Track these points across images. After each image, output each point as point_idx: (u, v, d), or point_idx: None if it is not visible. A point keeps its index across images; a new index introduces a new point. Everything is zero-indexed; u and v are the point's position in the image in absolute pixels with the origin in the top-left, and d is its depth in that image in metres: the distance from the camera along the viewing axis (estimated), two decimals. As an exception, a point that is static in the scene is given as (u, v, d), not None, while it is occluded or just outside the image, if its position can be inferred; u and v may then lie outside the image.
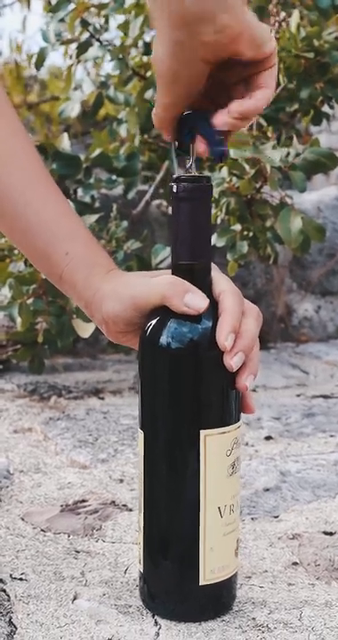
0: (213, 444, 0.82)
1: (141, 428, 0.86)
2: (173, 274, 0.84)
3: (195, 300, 0.82)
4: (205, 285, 0.84)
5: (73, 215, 0.91)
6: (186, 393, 0.82)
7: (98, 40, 1.90)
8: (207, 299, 0.82)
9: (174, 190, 0.83)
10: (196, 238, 0.84)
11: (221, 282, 0.84)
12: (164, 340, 0.83)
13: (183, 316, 0.82)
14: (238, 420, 0.85)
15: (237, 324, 0.82)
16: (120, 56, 1.87)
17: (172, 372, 0.83)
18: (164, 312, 0.83)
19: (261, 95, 0.83)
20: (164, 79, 0.81)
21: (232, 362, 0.81)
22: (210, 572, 0.84)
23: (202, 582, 0.84)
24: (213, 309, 0.83)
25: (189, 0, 0.75)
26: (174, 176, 0.84)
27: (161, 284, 0.83)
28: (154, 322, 0.84)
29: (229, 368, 0.81)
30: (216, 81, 0.83)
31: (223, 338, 0.81)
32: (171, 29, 0.77)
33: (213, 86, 0.83)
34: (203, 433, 0.82)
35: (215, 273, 0.85)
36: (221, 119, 0.81)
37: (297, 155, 1.47)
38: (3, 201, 0.89)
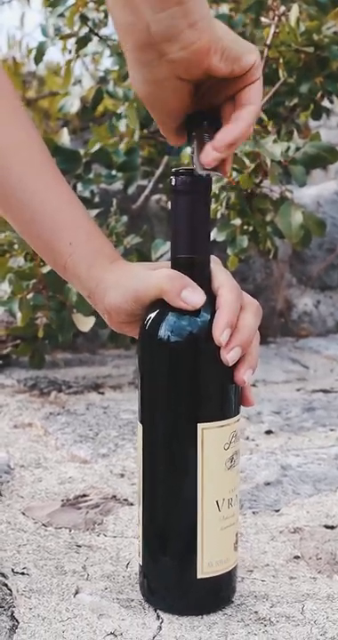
0: (210, 437, 0.82)
1: (140, 421, 0.86)
2: (172, 267, 0.84)
3: (192, 296, 0.82)
4: (204, 279, 0.84)
5: (78, 205, 0.91)
6: (183, 386, 0.82)
7: (97, 35, 1.90)
8: (204, 295, 0.82)
9: (173, 183, 0.83)
10: (194, 232, 0.84)
11: (220, 276, 0.84)
12: (161, 332, 0.83)
13: (182, 310, 0.82)
14: (237, 414, 0.85)
15: (234, 318, 0.82)
16: (119, 51, 1.87)
17: (169, 365, 0.83)
18: (163, 305, 0.83)
19: (246, 114, 0.81)
20: (145, 101, 0.80)
21: (228, 356, 0.81)
22: (208, 565, 0.84)
23: (200, 575, 0.84)
24: (212, 303, 0.82)
25: (150, 19, 0.73)
26: (173, 169, 0.84)
27: (159, 278, 0.83)
28: (153, 315, 0.84)
29: (225, 362, 0.81)
30: (205, 99, 0.82)
31: (219, 333, 0.81)
32: (137, 52, 0.76)
33: (204, 104, 0.82)
34: (200, 426, 0.82)
35: (214, 266, 0.85)
36: (210, 156, 0.80)
37: (297, 149, 1.47)
38: (10, 190, 0.89)
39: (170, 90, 0.78)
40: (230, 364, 0.82)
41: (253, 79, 0.81)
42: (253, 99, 0.81)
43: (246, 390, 0.86)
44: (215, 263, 0.85)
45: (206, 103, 0.82)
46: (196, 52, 0.75)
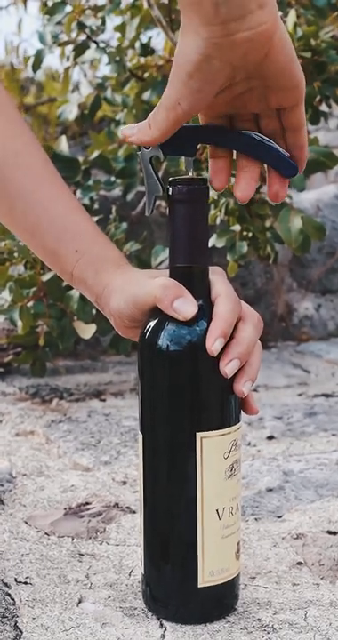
0: (209, 446, 0.82)
1: (141, 430, 0.86)
2: (170, 276, 0.85)
3: (183, 306, 0.81)
4: (202, 288, 0.83)
5: (81, 211, 0.91)
6: (181, 396, 0.83)
7: (95, 42, 1.90)
8: (196, 306, 0.82)
9: (170, 192, 0.83)
10: (192, 241, 0.83)
11: (218, 285, 0.84)
12: (159, 341, 0.83)
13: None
14: (237, 422, 0.85)
15: (229, 329, 0.82)
16: (117, 58, 1.87)
17: (166, 374, 0.83)
18: (162, 313, 0.83)
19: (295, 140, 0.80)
20: (184, 71, 0.76)
21: (226, 369, 0.81)
22: (209, 574, 0.84)
23: (201, 584, 0.84)
24: (210, 312, 0.82)
25: None
26: (170, 179, 0.84)
27: (154, 286, 0.83)
28: (152, 323, 0.84)
29: (224, 375, 0.81)
30: (238, 101, 0.80)
31: (210, 342, 0.81)
32: (203, 27, 0.73)
33: (235, 105, 0.80)
34: (199, 435, 0.82)
35: (214, 276, 0.85)
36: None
37: (296, 154, 1.46)
38: (13, 201, 0.89)
39: (219, 72, 0.75)
40: (229, 377, 0.82)
41: (297, 100, 0.79)
42: (300, 122, 0.80)
43: (249, 398, 0.86)
44: (216, 273, 0.85)
45: (237, 105, 0.80)
46: (262, 34, 0.73)
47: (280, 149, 0.81)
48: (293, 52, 0.77)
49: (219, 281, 0.84)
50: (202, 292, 0.83)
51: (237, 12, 0.71)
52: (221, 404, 0.84)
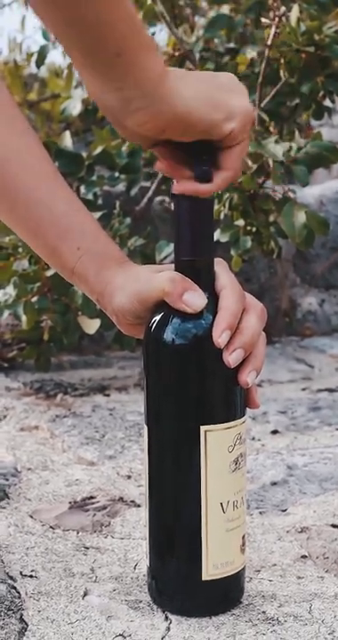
0: (213, 439, 0.82)
1: (146, 424, 0.86)
2: (175, 270, 0.85)
3: (193, 299, 0.82)
4: (208, 281, 0.84)
5: (82, 209, 0.91)
6: (186, 389, 0.83)
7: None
8: (205, 298, 0.82)
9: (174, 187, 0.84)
10: (196, 235, 0.84)
11: (223, 278, 0.84)
12: (165, 335, 0.83)
13: (185, 312, 0.82)
14: (242, 416, 0.85)
15: (234, 320, 0.82)
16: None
17: (171, 367, 0.83)
18: (167, 307, 0.83)
19: (220, 180, 0.84)
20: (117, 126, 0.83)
21: (230, 358, 0.81)
22: (213, 567, 0.84)
23: (205, 578, 0.84)
24: (215, 305, 0.83)
25: (100, 97, 0.79)
26: None
27: (162, 280, 0.83)
28: (157, 317, 0.84)
29: (227, 364, 0.81)
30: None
31: (217, 335, 0.81)
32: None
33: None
34: (203, 428, 0.82)
35: (219, 268, 0.85)
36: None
37: (299, 149, 1.47)
38: (14, 199, 0.89)
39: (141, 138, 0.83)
40: (232, 366, 0.82)
41: (231, 144, 0.83)
42: (231, 164, 0.84)
43: (252, 392, 0.86)
44: (220, 265, 0.85)
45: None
46: (150, 130, 0.79)
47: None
48: (213, 108, 0.81)
49: (223, 273, 0.84)
50: (207, 284, 0.83)
51: (119, 112, 0.79)
52: (226, 398, 0.84)
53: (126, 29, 0.75)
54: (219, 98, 0.81)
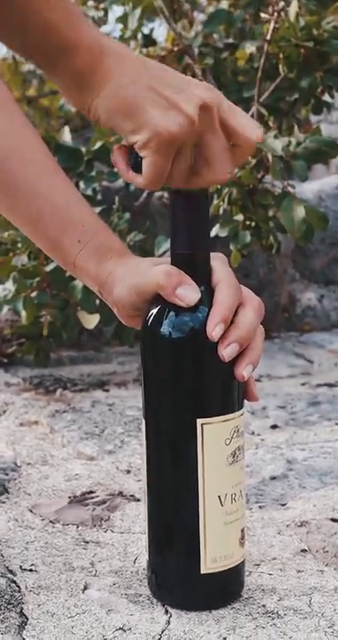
0: (210, 432, 0.82)
1: (144, 417, 0.86)
2: (171, 263, 0.85)
3: (186, 293, 0.82)
4: (204, 275, 0.84)
5: (83, 202, 0.91)
6: (182, 382, 0.83)
7: (97, 33, 1.90)
8: (199, 293, 0.82)
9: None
10: (193, 229, 0.84)
11: (219, 272, 0.84)
12: (161, 328, 0.83)
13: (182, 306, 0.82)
14: (240, 409, 0.85)
15: (229, 314, 0.82)
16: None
17: (168, 360, 0.83)
18: (164, 300, 0.83)
19: (140, 181, 0.90)
20: None
21: (224, 352, 0.81)
22: (211, 560, 0.84)
23: (204, 571, 0.84)
24: (212, 299, 0.83)
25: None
26: None
27: (157, 273, 0.83)
28: (154, 310, 0.84)
29: (222, 358, 0.81)
30: None
31: (211, 328, 0.81)
32: None
33: None
34: (199, 421, 0.82)
35: (216, 262, 0.85)
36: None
37: (298, 144, 1.47)
38: (15, 193, 0.89)
39: None
40: (227, 360, 0.82)
41: (143, 154, 0.87)
42: (143, 170, 0.88)
43: (251, 385, 0.86)
44: (218, 260, 0.85)
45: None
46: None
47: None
48: (112, 111, 0.88)
49: (220, 267, 0.84)
50: (203, 278, 0.83)
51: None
52: (222, 391, 0.84)
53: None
54: (136, 107, 0.85)
